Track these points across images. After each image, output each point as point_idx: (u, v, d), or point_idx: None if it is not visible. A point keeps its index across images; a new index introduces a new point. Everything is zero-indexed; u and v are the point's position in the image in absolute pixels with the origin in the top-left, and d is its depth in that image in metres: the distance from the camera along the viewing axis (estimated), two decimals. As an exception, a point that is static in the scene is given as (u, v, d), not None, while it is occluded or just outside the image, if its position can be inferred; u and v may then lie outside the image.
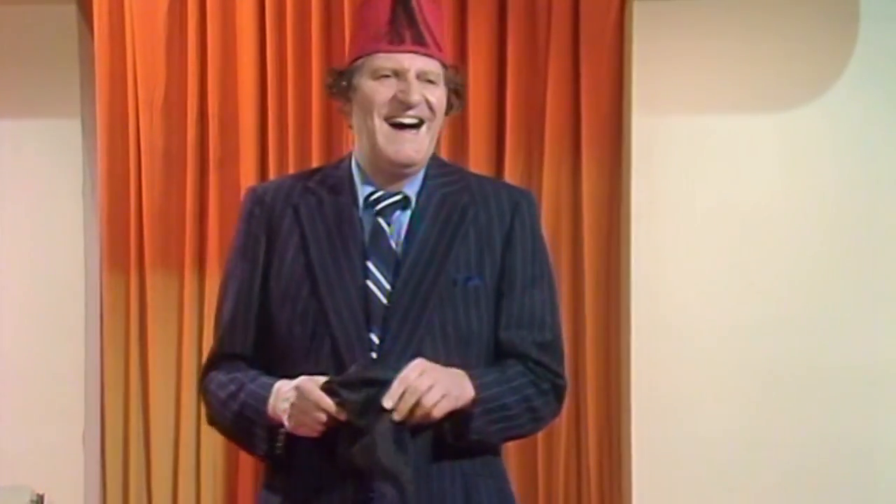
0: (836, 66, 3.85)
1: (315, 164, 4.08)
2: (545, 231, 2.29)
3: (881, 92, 3.85)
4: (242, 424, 2.12)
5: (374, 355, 2.06)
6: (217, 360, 2.23)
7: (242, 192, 4.00)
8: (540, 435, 3.84)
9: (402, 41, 2.12)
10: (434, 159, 2.22)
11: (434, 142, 2.17)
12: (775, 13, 3.87)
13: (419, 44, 2.12)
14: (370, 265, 2.11)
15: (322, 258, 2.13)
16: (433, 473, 2.07)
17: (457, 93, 2.20)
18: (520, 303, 2.16)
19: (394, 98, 2.11)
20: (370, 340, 2.08)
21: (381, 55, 2.13)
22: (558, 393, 2.18)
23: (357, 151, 2.21)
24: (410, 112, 2.12)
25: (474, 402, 2.04)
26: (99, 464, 4.24)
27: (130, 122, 4.16)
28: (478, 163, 3.93)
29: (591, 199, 3.97)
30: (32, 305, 4.23)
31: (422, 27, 2.12)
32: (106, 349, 4.21)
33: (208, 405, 2.24)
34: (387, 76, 2.12)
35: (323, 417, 1.98)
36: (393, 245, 2.13)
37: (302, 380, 2.02)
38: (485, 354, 2.14)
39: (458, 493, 2.09)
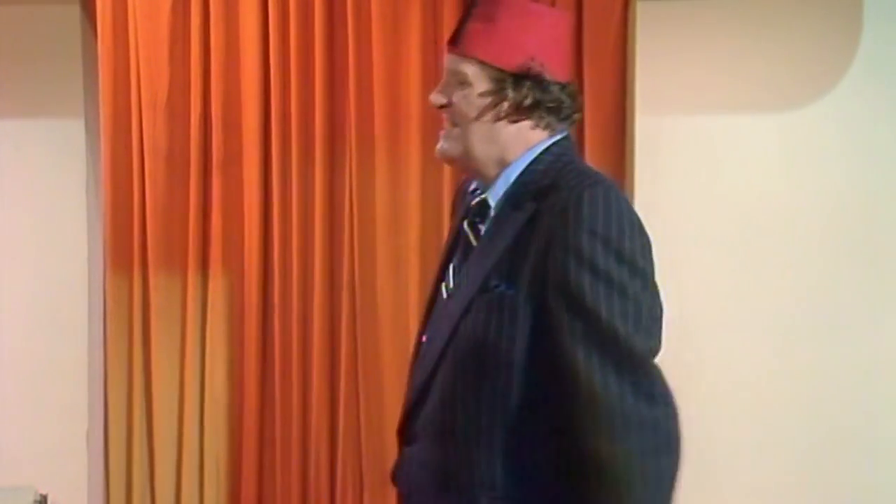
0: (840, 66, 3.84)
1: (318, 165, 4.08)
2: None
3: (885, 91, 3.84)
4: None
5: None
6: None
7: (245, 193, 4.11)
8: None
9: (447, 45, 2.13)
10: (545, 155, 2.09)
11: (482, 143, 2.07)
12: (778, 13, 3.86)
13: (451, 43, 2.10)
14: (450, 268, 2.12)
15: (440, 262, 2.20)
16: None
17: (504, 87, 2.06)
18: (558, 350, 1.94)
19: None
20: (423, 345, 2.13)
21: None
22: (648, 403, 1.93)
23: None
24: (443, 115, 2.12)
25: None
26: (102, 464, 4.25)
27: (134, 123, 4.17)
28: (481, 162, 3.93)
29: (595, 198, 3.96)
30: (36, 306, 4.24)
31: (467, 25, 2.08)
32: (109, 349, 4.21)
33: None
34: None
35: None
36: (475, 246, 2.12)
37: None
38: (505, 372, 1.98)
39: None
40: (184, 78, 4.15)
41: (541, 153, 2.09)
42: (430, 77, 4.02)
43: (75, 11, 4.21)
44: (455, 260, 2.12)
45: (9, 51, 4.20)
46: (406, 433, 2.12)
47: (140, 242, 4.18)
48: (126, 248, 4.18)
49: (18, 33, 4.20)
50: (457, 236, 2.16)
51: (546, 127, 2.09)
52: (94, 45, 4.20)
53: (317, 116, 4.09)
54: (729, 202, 3.89)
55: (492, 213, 2.08)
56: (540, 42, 2.08)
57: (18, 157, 4.25)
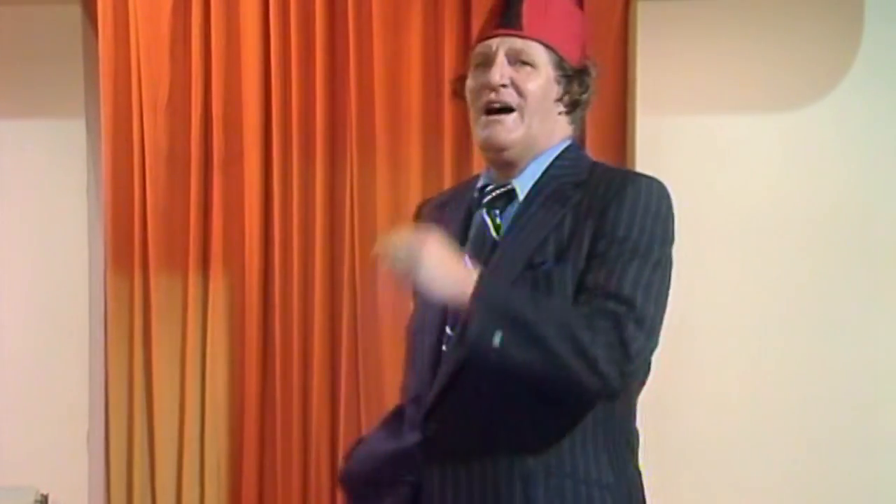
0: (841, 66, 3.84)
1: (318, 165, 4.08)
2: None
3: (886, 92, 3.85)
4: None
5: (444, 349, 2.03)
6: None
7: (246, 193, 4.11)
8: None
9: (497, 26, 2.06)
10: (569, 151, 2.11)
11: (538, 128, 2.05)
12: (780, 13, 3.86)
13: (511, 26, 2.03)
14: (465, 259, 2.05)
15: None
16: (487, 474, 1.96)
17: (571, 79, 2.06)
18: (605, 268, 1.93)
19: (483, 84, 2.05)
20: (446, 335, 2.03)
21: (479, 45, 2.08)
22: (621, 334, 1.89)
23: None
24: (493, 96, 2.03)
25: (474, 295, 1.86)
26: (103, 464, 4.24)
27: (134, 123, 4.17)
28: (482, 162, 3.91)
29: (596, 199, 3.96)
30: (37, 306, 4.24)
31: (523, 9, 2.03)
32: (110, 350, 4.21)
33: None
34: (480, 64, 2.06)
35: None
36: (496, 237, 2.06)
37: None
38: None
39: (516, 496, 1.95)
40: (184, 78, 4.15)
41: (563, 150, 2.10)
42: (431, 77, 4.02)
43: (76, 11, 4.22)
44: (469, 252, 2.06)
45: (9, 51, 4.20)
46: (427, 425, 2.03)
47: (141, 242, 4.18)
48: (127, 249, 4.18)
49: (19, 33, 4.21)
50: (462, 232, 2.11)
51: (575, 124, 2.11)
52: (94, 45, 4.20)
53: (317, 116, 4.09)
54: (729, 202, 3.89)
55: (519, 201, 2.06)
56: (583, 36, 2.09)
57: (19, 157, 4.25)
